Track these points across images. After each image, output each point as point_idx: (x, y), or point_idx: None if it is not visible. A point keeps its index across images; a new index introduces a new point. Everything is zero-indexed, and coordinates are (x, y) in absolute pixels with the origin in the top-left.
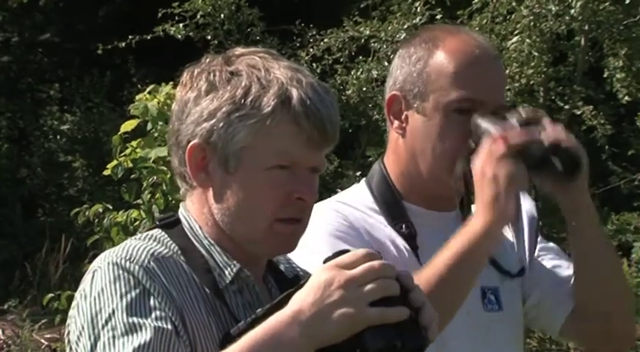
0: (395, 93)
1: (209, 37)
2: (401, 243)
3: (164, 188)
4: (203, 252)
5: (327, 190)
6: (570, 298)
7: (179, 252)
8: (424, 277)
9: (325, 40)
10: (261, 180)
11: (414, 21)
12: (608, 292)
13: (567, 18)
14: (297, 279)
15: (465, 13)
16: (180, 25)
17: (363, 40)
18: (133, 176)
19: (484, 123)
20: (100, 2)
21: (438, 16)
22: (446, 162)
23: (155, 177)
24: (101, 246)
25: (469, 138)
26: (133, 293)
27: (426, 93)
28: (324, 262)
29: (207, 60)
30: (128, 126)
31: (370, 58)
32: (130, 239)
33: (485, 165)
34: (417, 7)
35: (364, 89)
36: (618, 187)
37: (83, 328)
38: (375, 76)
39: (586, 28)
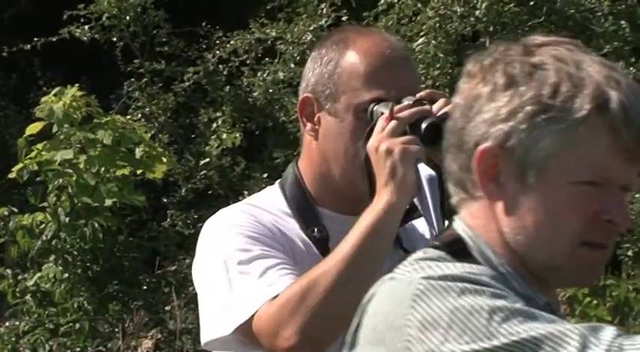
0: (307, 95)
1: (115, 39)
2: (313, 247)
3: (70, 191)
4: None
5: (233, 192)
6: None
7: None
8: (331, 261)
9: (232, 42)
10: (566, 195)
11: (320, 22)
12: None
13: (472, 19)
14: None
15: (371, 14)
16: (86, 27)
17: (269, 42)
18: (38, 179)
19: (381, 108)
20: (3, 4)
21: (344, 18)
22: (358, 163)
23: (61, 180)
24: (7, 250)
25: None
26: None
27: (338, 94)
28: None
29: (500, 48)
30: (33, 128)
31: (277, 60)
32: (417, 261)
33: (378, 141)
34: (322, 9)
35: (271, 91)
36: None
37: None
38: (282, 77)
39: (491, 29)
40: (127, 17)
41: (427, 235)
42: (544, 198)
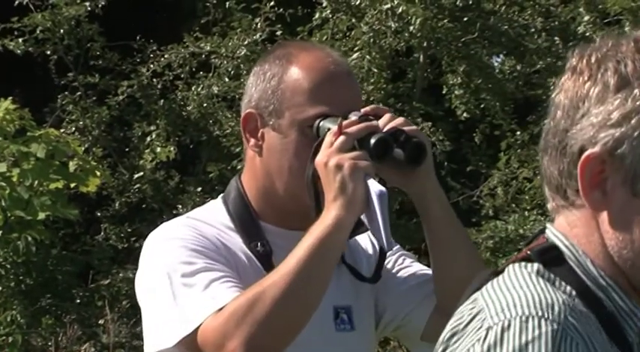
0: (250, 111)
1: (49, 52)
2: (256, 261)
3: (3, 204)
4: (600, 294)
5: (167, 206)
6: (429, 299)
7: (576, 296)
8: (278, 274)
9: (166, 56)
10: None
11: (254, 37)
12: (468, 279)
13: (406, 35)
14: None
15: (305, 29)
16: (20, 39)
17: (203, 56)
18: None
19: (328, 124)
20: None
21: (279, 33)
22: (302, 179)
23: None
24: None
25: None
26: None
27: (282, 110)
28: None
29: (609, 43)
30: None
31: (211, 74)
32: (508, 278)
33: (327, 156)
34: (257, 24)
35: (205, 105)
36: (457, 203)
37: None
38: (216, 91)
39: (425, 45)
40: (61, 30)
41: (370, 250)
42: None
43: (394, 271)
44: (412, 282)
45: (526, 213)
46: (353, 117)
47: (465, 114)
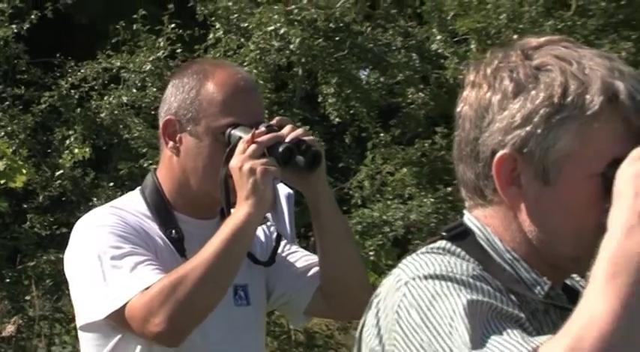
0: (170, 117)
1: None
2: (171, 246)
3: None
4: (506, 266)
5: (84, 199)
6: (313, 281)
7: (479, 266)
8: (197, 260)
9: (82, 71)
10: (586, 189)
11: (157, 54)
12: (349, 266)
13: (287, 52)
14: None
15: (202, 47)
16: None
17: (114, 71)
18: None
19: (238, 132)
20: None
21: (178, 51)
22: (214, 178)
23: None
24: None
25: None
26: (472, 295)
27: (198, 118)
28: None
29: (499, 55)
30: None
31: (121, 86)
32: (417, 255)
33: (242, 162)
34: (160, 43)
35: (116, 112)
36: None
37: (422, 347)
38: (125, 101)
39: (303, 60)
40: None
41: (263, 238)
42: (566, 194)
43: (285, 256)
44: (300, 266)
45: (388, 202)
46: (262, 127)
47: (337, 119)
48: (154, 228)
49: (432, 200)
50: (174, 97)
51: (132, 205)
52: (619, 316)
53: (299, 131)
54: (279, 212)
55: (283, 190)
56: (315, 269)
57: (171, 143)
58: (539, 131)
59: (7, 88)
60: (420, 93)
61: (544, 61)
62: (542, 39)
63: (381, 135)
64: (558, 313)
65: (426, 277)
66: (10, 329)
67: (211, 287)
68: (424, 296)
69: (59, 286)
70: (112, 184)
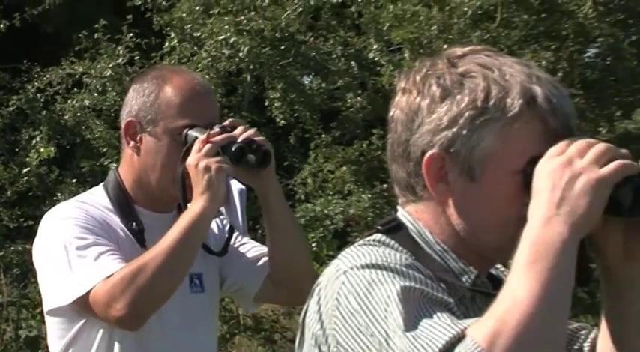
0: (131, 119)
1: None
2: (132, 237)
3: None
4: (436, 257)
5: (49, 194)
6: (262, 269)
7: (411, 256)
8: (157, 250)
9: (47, 76)
10: (508, 185)
11: (117, 61)
12: (296, 255)
13: (237, 60)
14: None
15: (158, 55)
16: None
17: (77, 76)
18: None
19: (194, 133)
20: None
21: (137, 58)
22: (172, 175)
23: None
24: None
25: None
26: (405, 282)
27: (157, 120)
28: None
29: (427, 64)
30: None
31: (83, 90)
32: (355, 246)
33: (197, 160)
34: (119, 51)
35: (78, 114)
36: None
37: (360, 330)
38: (87, 104)
39: (251, 67)
40: None
41: (216, 230)
42: (490, 190)
43: (236, 246)
44: (250, 256)
45: (329, 197)
46: (217, 128)
47: (282, 121)
48: (116, 221)
49: (370, 196)
50: (135, 101)
51: (96, 200)
52: (539, 298)
53: (250, 132)
54: (231, 206)
55: (236, 186)
56: (265, 259)
57: (132, 143)
58: (464, 132)
59: None
60: (359, 98)
61: (468, 68)
62: (466, 49)
63: (323, 136)
64: (484, 299)
65: (363, 266)
66: None
67: (169, 275)
68: (361, 283)
69: (26, 274)
70: (75, 181)
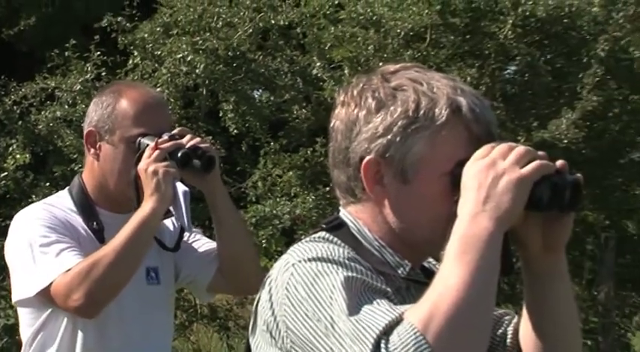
0: (91, 129)
1: None
2: (92, 235)
3: None
4: (374, 252)
5: (25, 196)
6: (213, 263)
7: (353, 251)
8: (110, 246)
9: (23, 90)
10: (438, 186)
11: (86, 77)
12: (241, 249)
13: (194, 75)
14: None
15: (122, 71)
16: None
17: (50, 90)
18: None
19: (146, 141)
20: None
21: (103, 73)
22: (128, 178)
23: None
24: None
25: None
26: (347, 273)
27: (114, 129)
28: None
29: (363, 79)
30: None
31: (55, 103)
32: (302, 242)
33: (147, 165)
34: (88, 67)
35: (51, 124)
36: (230, 193)
37: (308, 316)
38: (59, 115)
39: (207, 82)
40: None
41: (171, 228)
42: (422, 190)
43: (190, 243)
44: (202, 251)
45: (277, 199)
46: (165, 136)
47: (235, 131)
48: (78, 221)
49: (313, 197)
50: (94, 112)
51: (61, 202)
52: (469, 285)
53: (197, 139)
54: (177, 206)
55: (181, 188)
56: (215, 253)
57: (92, 150)
58: (397, 139)
59: None
60: (303, 110)
61: (400, 82)
62: (398, 65)
63: (271, 144)
64: (418, 289)
65: (309, 260)
66: None
67: (121, 267)
68: (308, 274)
69: (3, 269)
70: (48, 184)
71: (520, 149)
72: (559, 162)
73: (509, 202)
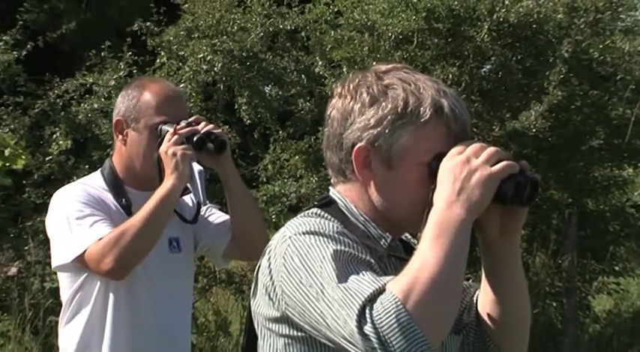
0: (119, 118)
1: None
2: (121, 210)
3: None
4: (360, 225)
5: (67, 177)
6: (227, 233)
7: (341, 225)
8: (136, 218)
9: (65, 85)
10: (418, 173)
11: (119, 74)
12: (250, 221)
13: (213, 73)
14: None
15: (151, 69)
16: None
17: (88, 85)
18: None
19: (167, 127)
20: None
21: (135, 71)
22: (151, 160)
23: None
24: None
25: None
26: (336, 246)
27: (139, 118)
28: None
29: (359, 76)
30: None
31: (93, 96)
32: (297, 217)
33: (167, 148)
34: (121, 66)
35: (89, 115)
36: (244, 175)
37: (301, 282)
38: (97, 107)
39: (224, 79)
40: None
41: (190, 204)
42: (403, 177)
43: (206, 216)
44: (217, 222)
45: (285, 180)
46: (183, 123)
47: (248, 121)
48: (109, 198)
49: (316, 179)
50: (122, 104)
51: (94, 181)
52: (443, 262)
53: (210, 126)
54: (194, 183)
55: (197, 167)
56: (229, 225)
57: (120, 136)
58: (386, 131)
59: (10, 97)
60: (308, 103)
61: (391, 81)
62: (390, 66)
63: (280, 132)
64: (398, 260)
65: (304, 233)
66: (13, 270)
67: (146, 236)
68: (302, 246)
69: (48, 239)
70: (87, 167)
71: (490, 149)
72: (521, 163)
73: (480, 195)
